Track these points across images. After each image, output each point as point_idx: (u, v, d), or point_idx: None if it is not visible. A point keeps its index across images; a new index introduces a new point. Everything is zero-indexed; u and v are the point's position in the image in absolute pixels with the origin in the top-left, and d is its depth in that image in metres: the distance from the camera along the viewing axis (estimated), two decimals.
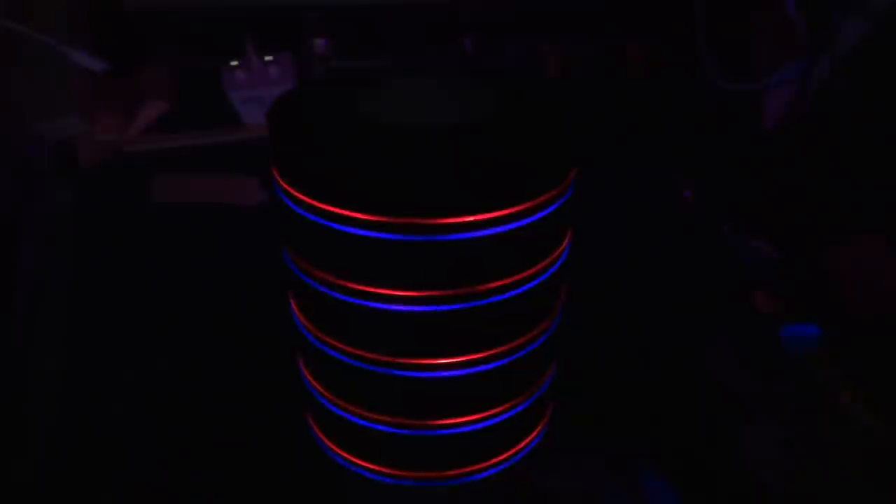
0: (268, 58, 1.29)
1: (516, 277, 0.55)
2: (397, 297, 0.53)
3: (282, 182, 0.55)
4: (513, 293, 0.55)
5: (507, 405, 0.62)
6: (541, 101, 0.62)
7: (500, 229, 0.51)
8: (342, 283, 0.54)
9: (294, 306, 0.63)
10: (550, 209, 0.54)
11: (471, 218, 0.49)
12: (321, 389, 0.64)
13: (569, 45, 1.46)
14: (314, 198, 0.51)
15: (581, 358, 0.79)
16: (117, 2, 1.28)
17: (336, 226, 0.51)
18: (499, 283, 0.54)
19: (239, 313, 0.90)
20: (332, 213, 0.51)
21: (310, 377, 0.66)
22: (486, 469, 0.65)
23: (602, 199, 1.10)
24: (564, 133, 0.56)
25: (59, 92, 1.05)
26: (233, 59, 1.28)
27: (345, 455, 0.66)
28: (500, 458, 0.65)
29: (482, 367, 0.58)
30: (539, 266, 0.56)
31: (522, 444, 0.67)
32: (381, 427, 0.61)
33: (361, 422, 0.62)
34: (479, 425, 0.61)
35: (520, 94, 0.63)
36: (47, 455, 0.72)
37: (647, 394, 0.79)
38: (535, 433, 0.69)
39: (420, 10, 1.39)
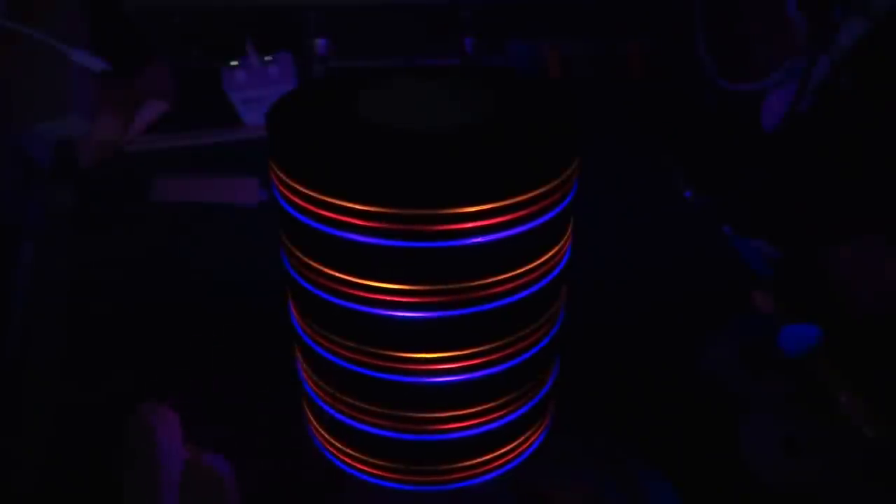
0: (268, 58, 1.29)
1: (518, 281, 0.54)
2: (397, 300, 0.53)
3: (281, 183, 0.55)
4: (514, 297, 0.55)
5: (508, 408, 0.62)
6: (542, 101, 0.62)
7: (501, 234, 0.51)
8: (341, 285, 0.54)
9: (293, 307, 0.63)
10: (552, 213, 0.53)
11: (472, 224, 0.49)
12: (320, 391, 0.64)
13: (569, 45, 1.46)
14: (313, 200, 0.51)
15: (581, 358, 0.79)
16: (117, 2, 1.28)
17: (334, 229, 0.51)
18: (501, 286, 0.54)
19: (238, 313, 0.90)
20: (331, 215, 0.50)
21: (308, 379, 0.65)
22: (485, 472, 0.65)
23: (602, 199, 1.10)
24: (566, 134, 0.56)
25: (59, 92, 1.05)
26: (233, 59, 1.28)
27: (344, 458, 0.66)
28: (501, 461, 0.65)
29: (483, 371, 0.58)
30: (540, 268, 0.56)
31: (523, 447, 0.67)
32: (379, 430, 0.61)
33: (359, 425, 0.62)
34: (479, 429, 0.61)
35: (520, 95, 0.63)
36: (47, 456, 0.72)
37: (646, 393, 0.79)
38: (535, 436, 0.68)
39: (420, 10, 1.39)
